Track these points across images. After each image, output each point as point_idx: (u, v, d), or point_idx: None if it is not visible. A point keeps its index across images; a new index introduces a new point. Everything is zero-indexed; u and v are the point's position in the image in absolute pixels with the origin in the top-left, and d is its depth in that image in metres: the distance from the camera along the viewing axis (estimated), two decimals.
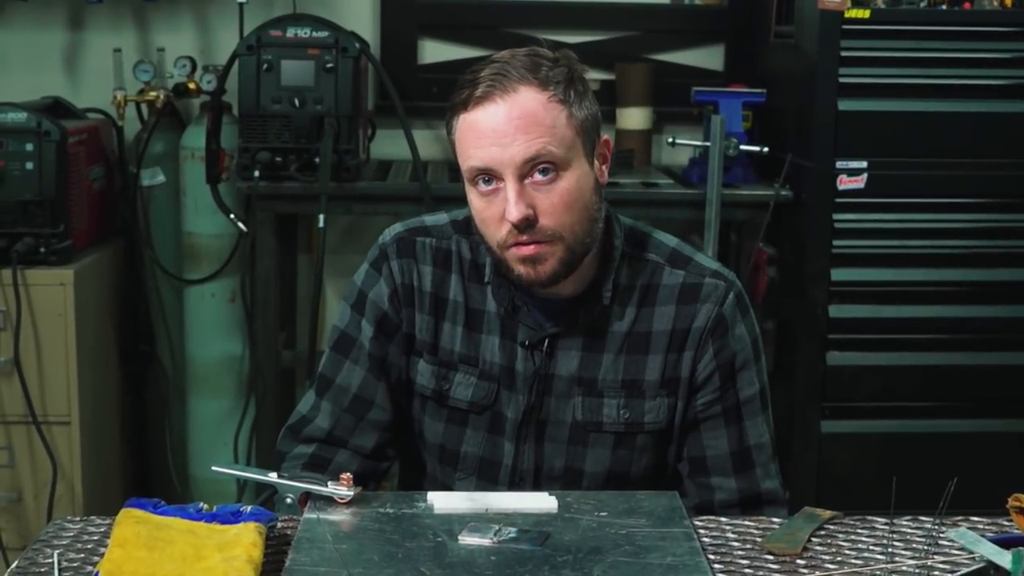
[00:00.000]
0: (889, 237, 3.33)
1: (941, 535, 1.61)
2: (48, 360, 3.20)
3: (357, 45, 3.41)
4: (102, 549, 1.52)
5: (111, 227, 3.70)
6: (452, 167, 3.82)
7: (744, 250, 3.60)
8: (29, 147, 3.20)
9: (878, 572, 1.51)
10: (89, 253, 3.43)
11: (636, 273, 1.84)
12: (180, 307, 3.74)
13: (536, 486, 1.86)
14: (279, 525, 1.60)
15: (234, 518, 1.55)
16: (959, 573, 1.48)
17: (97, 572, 1.41)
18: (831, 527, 1.67)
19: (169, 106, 3.73)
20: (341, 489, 1.61)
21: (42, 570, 1.49)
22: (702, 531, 1.63)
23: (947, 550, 1.57)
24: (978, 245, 3.35)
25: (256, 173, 3.33)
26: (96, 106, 3.75)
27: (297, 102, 3.33)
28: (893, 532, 1.64)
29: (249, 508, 1.57)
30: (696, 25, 4.06)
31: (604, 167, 1.81)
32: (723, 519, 1.69)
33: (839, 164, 3.28)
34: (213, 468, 1.73)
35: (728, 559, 1.55)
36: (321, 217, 3.28)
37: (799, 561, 1.55)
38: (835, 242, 3.31)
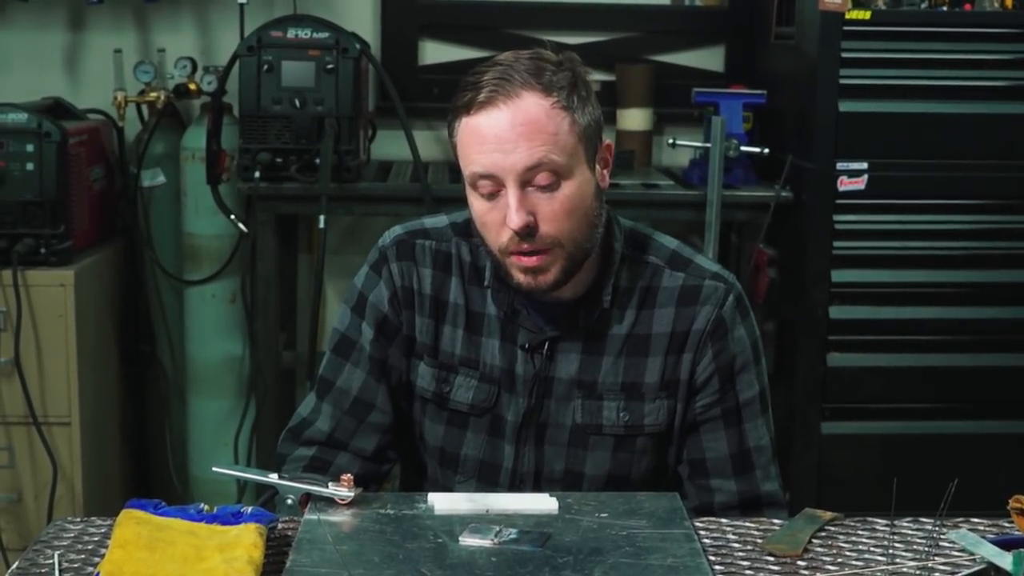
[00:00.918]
0: (889, 238, 3.33)
1: (942, 536, 1.61)
2: (48, 361, 3.20)
3: (358, 46, 3.41)
4: (102, 550, 1.52)
5: (111, 228, 3.71)
6: (453, 168, 3.82)
7: (745, 251, 3.60)
8: (30, 148, 3.20)
9: (879, 573, 1.51)
10: (89, 254, 3.43)
11: (636, 275, 1.84)
12: (180, 308, 3.74)
13: (536, 489, 1.86)
14: (280, 526, 1.60)
15: (235, 519, 1.55)
16: (960, 575, 1.48)
17: (98, 573, 1.41)
18: (832, 528, 1.67)
19: (170, 107, 3.73)
20: (342, 490, 1.61)
21: (43, 571, 1.49)
22: (703, 532, 1.63)
23: (948, 551, 1.57)
24: (979, 246, 3.35)
25: (256, 174, 3.33)
26: (97, 107, 3.75)
27: (298, 103, 3.33)
28: (894, 533, 1.64)
29: (250, 509, 1.57)
30: (697, 26, 4.06)
31: (605, 172, 1.80)
32: (724, 520, 1.69)
33: (839, 165, 3.28)
34: (213, 469, 1.73)
35: (729, 560, 1.55)
36: (322, 218, 3.28)
37: (800, 562, 1.55)
38: (835, 243, 3.31)
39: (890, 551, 1.58)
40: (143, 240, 3.74)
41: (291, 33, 3.37)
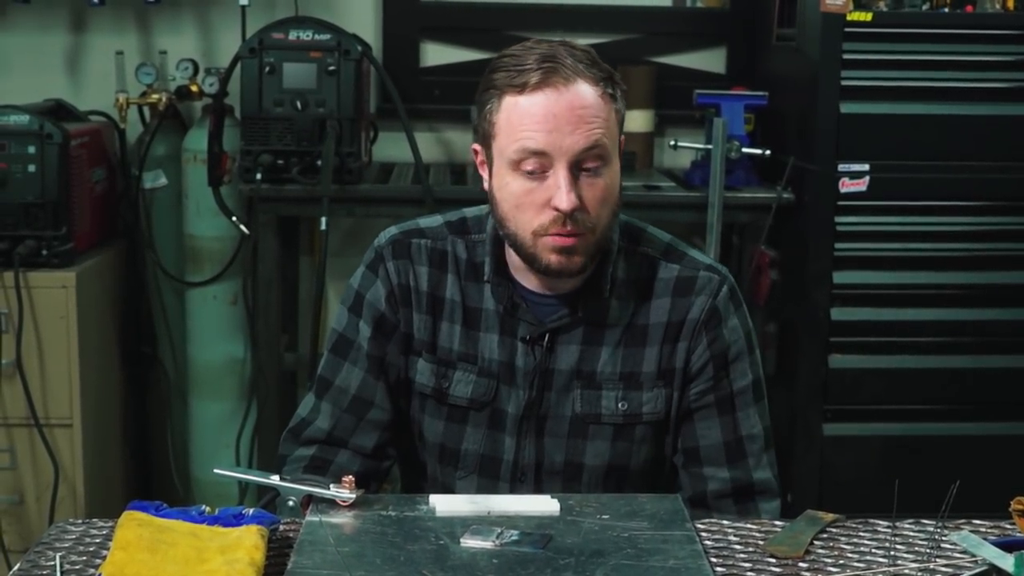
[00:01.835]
0: (891, 240, 3.33)
1: (943, 538, 1.61)
2: (50, 362, 3.20)
3: (359, 48, 3.41)
4: (104, 552, 1.52)
5: (113, 229, 3.71)
6: (454, 170, 3.83)
7: (746, 253, 3.60)
8: (31, 149, 3.21)
9: (880, 575, 1.51)
10: (91, 255, 3.43)
11: (632, 267, 1.86)
12: (182, 309, 3.74)
13: (537, 481, 1.87)
14: (281, 528, 1.60)
15: (236, 521, 1.55)
16: None
17: (99, 575, 1.41)
18: (833, 530, 1.67)
19: (171, 108, 3.74)
20: (343, 492, 1.61)
21: (44, 572, 1.49)
22: (704, 534, 1.63)
23: (949, 553, 1.57)
24: (980, 248, 3.35)
25: (258, 175, 3.33)
26: (98, 108, 3.75)
27: (299, 104, 3.33)
28: (895, 535, 1.64)
29: (251, 511, 1.57)
30: (698, 28, 4.06)
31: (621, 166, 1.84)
32: (725, 522, 1.69)
33: (841, 167, 3.28)
34: (215, 471, 1.73)
35: (730, 562, 1.55)
36: (323, 219, 3.28)
37: (801, 564, 1.55)
38: (837, 245, 3.31)
39: (892, 553, 1.58)
40: (144, 242, 3.74)
41: (292, 35, 3.37)
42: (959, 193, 3.33)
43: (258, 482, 1.69)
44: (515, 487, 1.87)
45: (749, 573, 1.52)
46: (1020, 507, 1.60)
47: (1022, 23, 3.32)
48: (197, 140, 3.59)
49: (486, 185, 1.82)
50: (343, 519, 1.58)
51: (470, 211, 1.93)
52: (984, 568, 1.48)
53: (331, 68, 3.35)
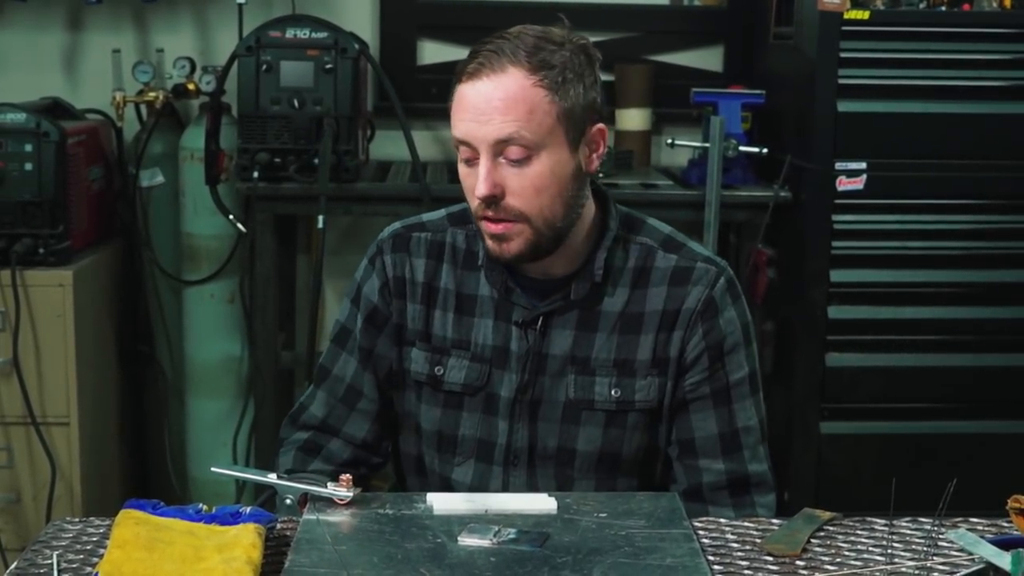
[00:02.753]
0: (888, 238, 3.33)
1: (940, 536, 1.61)
2: (47, 361, 3.20)
3: (356, 46, 3.41)
4: (101, 550, 1.52)
5: (110, 228, 3.70)
6: (451, 168, 3.83)
7: (743, 251, 3.60)
8: (28, 148, 3.20)
9: (877, 573, 1.51)
10: (88, 254, 3.43)
11: (630, 255, 1.87)
12: (179, 308, 3.74)
13: (530, 466, 1.88)
14: (278, 526, 1.60)
15: (233, 519, 1.55)
16: (959, 574, 1.48)
17: (96, 573, 1.41)
18: (830, 528, 1.67)
19: (168, 107, 3.73)
20: (340, 490, 1.61)
21: (41, 571, 1.49)
22: (701, 532, 1.63)
23: (946, 551, 1.57)
24: (977, 247, 3.35)
25: (255, 174, 3.33)
26: (95, 107, 3.75)
27: (296, 103, 3.33)
28: (892, 533, 1.64)
29: (248, 509, 1.57)
30: (695, 26, 4.06)
31: (594, 155, 1.82)
32: (723, 520, 1.69)
33: (838, 165, 3.28)
34: (212, 469, 1.73)
35: (727, 560, 1.55)
36: (320, 218, 3.28)
37: (798, 562, 1.55)
38: (834, 243, 3.31)
39: (889, 551, 1.58)
40: (142, 240, 3.74)
41: (290, 33, 3.37)
42: (956, 191, 3.33)
43: (255, 480, 1.69)
44: (508, 471, 1.88)
45: (746, 571, 1.52)
46: (1017, 505, 1.60)
47: (1019, 21, 3.32)
48: (194, 138, 3.58)
49: None
50: (340, 517, 1.58)
51: None
52: (981, 566, 1.48)
53: (328, 66, 3.34)
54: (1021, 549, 1.46)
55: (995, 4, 3.33)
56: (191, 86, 3.71)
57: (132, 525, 1.50)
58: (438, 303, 1.90)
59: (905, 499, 1.64)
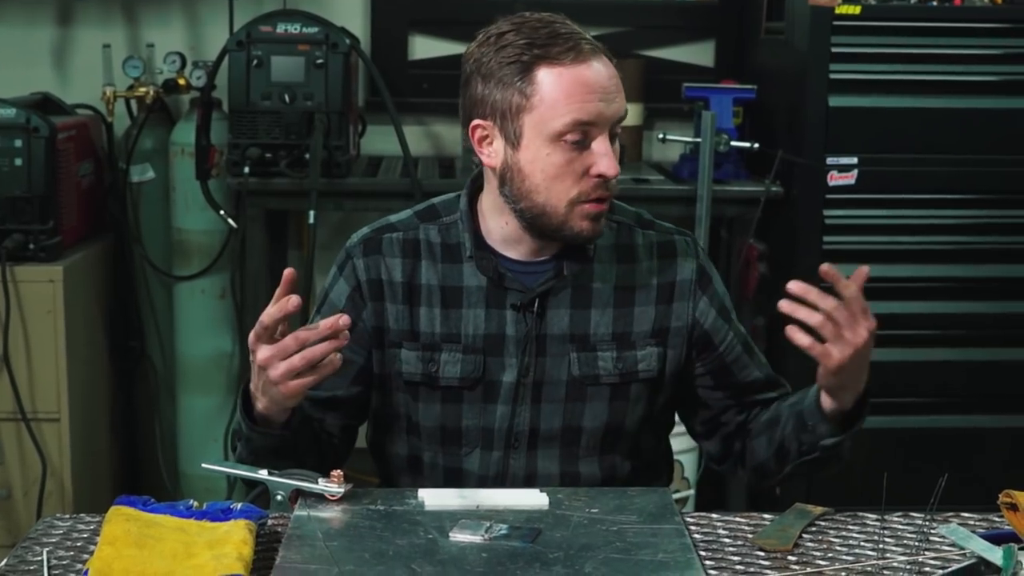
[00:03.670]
0: (879, 233, 3.33)
1: (932, 531, 1.62)
2: (37, 357, 3.19)
3: (347, 41, 3.40)
4: (91, 546, 1.52)
5: (101, 223, 3.69)
6: (442, 163, 3.83)
7: (735, 246, 3.60)
8: (18, 143, 3.19)
9: (869, 568, 1.51)
10: (78, 250, 3.42)
11: (610, 233, 1.91)
12: (170, 303, 3.74)
13: (531, 448, 1.88)
14: (269, 522, 1.60)
15: (224, 515, 1.55)
16: (950, 569, 1.49)
17: (87, 570, 1.40)
18: (822, 523, 1.67)
19: (159, 102, 3.72)
20: (331, 486, 1.61)
21: (31, 567, 1.48)
22: (693, 527, 1.63)
23: (938, 546, 1.58)
24: (968, 241, 3.35)
25: (246, 169, 3.32)
26: (85, 102, 3.74)
27: (287, 98, 3.32)
28: (884, 528, 1.64)
29: (239, 505, 1.57)
30: (687, 21, 4.06)
31: None
32: (714, 515, 1.69)
33: (829, 160, 3.28)
34: (203, 465, 1.73)
35: (719, 555, 1.55)
36: (311, 213, 3.27)
37: (790, 557, 1.55)
38: (825, 238, 3.32)
39: (880, 546, 1.58)
40: (132, 236, 3.73)
41: (280, 28, 3.36)
42: (947, 186, 3.34)
43: (246, 476, 1.69)
44: (508, 455, 1.88)
45: (738, 566, 1.52)
46: (1008, 500, 1.61)
47: (1010, 16, 3.32)
48: (185, 133, 3.57)
49: (490, 161, 1.82)
50: (331, 513, 1.58)
51: (437, 199, 1.96)
52: (972, 561, 1.48)
53: (319, 61, 3.34)
54: (1012, 544, 1.46)
55: None
56: (181, 81, 3.70)
57: (122, 522, 1.49)
58: (422, 300, 1.89)
59: (896, 494, 1.64)
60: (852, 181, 3.30)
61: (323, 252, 3.69)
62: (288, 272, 1.67)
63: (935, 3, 3.33)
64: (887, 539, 1.61)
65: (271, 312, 1.65)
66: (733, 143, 3.43)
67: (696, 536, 1.60)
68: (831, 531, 1.64)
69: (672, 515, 1.60)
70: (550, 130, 1.75)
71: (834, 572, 1.51)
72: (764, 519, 1.68)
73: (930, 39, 3.30)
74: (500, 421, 1.87)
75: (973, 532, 1.52)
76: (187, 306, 3.67)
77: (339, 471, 1.62)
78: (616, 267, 1.89)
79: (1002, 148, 3.33)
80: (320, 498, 1.61)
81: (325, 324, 1.63)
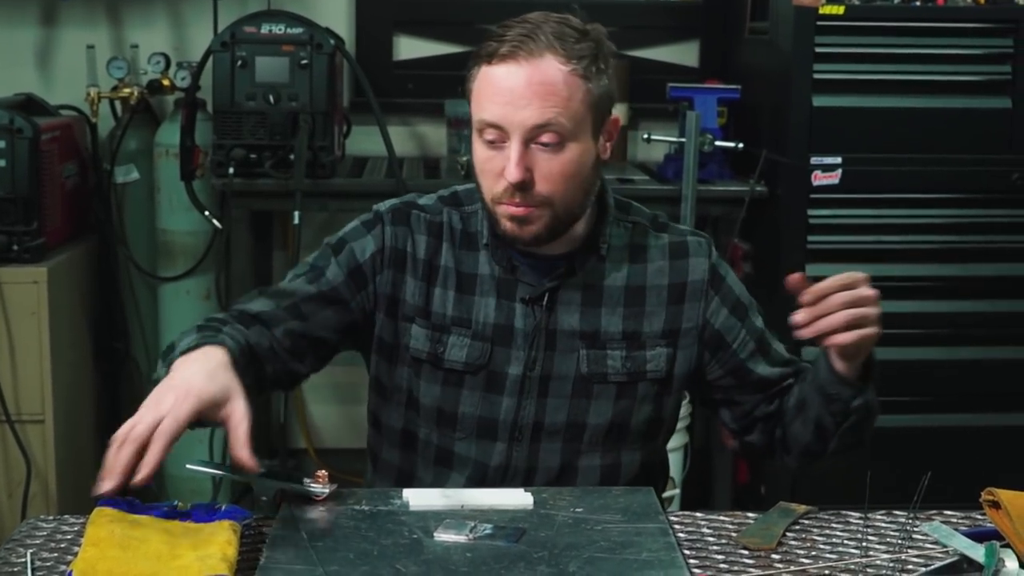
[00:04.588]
0: (864, 233, 3.34)
1: (915, 529, 1.62)
2: (21, 358, 3.18)
3: (332, 41, 3.40)
4: (76, 548, 1.52)
5: (85, 225, 3.69)
6: (427, 163, 3.83)
7: (719, 246, 3.59)
8: (2, 144, 3.19)
9: (852, 566, 1.52)
10: (63, 251, 3.41)
11: (624, 233, 1.91)
12: (155, 305, 3.73)
13: (534, 441, 1.88)
14: (254, 523, 1.60)
15: (208, 516, 1.54)
16: (933, 567, 1.49)
17: (70, 572, 1.40)
18: (806, 522, 1.67)
19: (143, 103, 3.72)
20: (316, 487, 1.61)
21: (15, 570, 1.48)
22: (677, 526, 1.64)
23: (921, 544, 1.58)
24: (953, 241, 3.36)
25: (231, 170, 3.32)
26: (69, 103, 3.73)
27: (272, 99, 3.32)
28: (867, 526, 1.65)
29: (224, 506, 1.57)
30: (671, 21, 4.07)
31: (608, 144, 1.86)
32: (698, 514, 1.70)
33: (814, 160, 3.29)
34: (187, 466, 1.72)
35: (703, 554, 1.56)
36: (296, 214, 3.27)
37: (774, 556, 1.56)
38: (810, 238, 3.32)
39: (863, 544, 1.59)
40: (117, 237, 3.73)
41: (265, 28, 3.36)
42: (931, 186, 3.34)
43: (231, 477, 1.68)
44: (512, 446, 1.88)
45: (722, 565, 1.53)
46: (990, 498, 1.61)
47: (993, 16, 3.34)
48: (169, 134, 3.57)
49: None
50: (316, 514, 1.58)
51: (460, 187, 1.97)
52: (955, 558, 1.49)
53: (304, 62, 3.33)
54: (994, 541, 1.47)
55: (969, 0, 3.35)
56: (166, 82, 3.69)
57: (106, 523, 1.49)
58: (438, 281, 1.89)
59: (880, 492, 1.65)
60: (836, 181, 3.30)
61: (308, 252, 3.67)
62: None
63: (918, 3, 3.34)
64: (870, 537, 1.61)
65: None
66: (717, 143, 3.44)
67: (680, 535, 1.61)
68: (815, 529, 1.65)
69: (656, 514, 1.60)
70: (475, 125, 1.78)
71: (817, 571, 1.51)
72: (748, 518, 1.68)
73: (913, 39, 3.31)
74: (505, 413, 1.88)
75: (956, 530, 1.53)
76: (172, 307, 3.66)
77: (324, 472, 1.62)
78: (628, 267, 1.90)
79: (985, 147, 3.34)
80: (305, 499, 1.61)
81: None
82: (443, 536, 1.51)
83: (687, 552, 1.54)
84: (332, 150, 3.41)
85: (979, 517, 1.66)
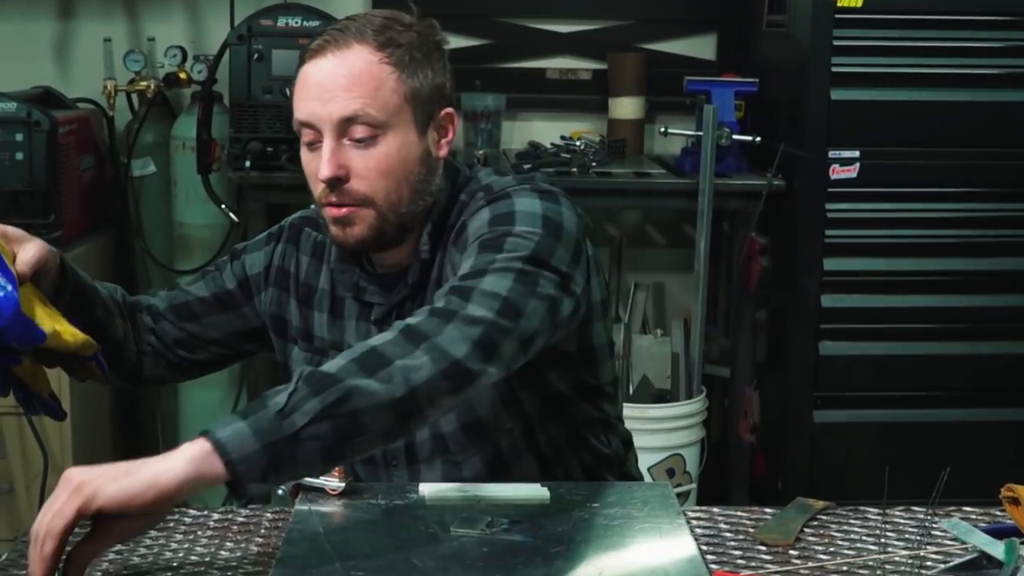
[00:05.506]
0: (881, 227, 3.32)
1: (934, 525, 1.61)
2: None
3: None
4: None
5: (102, 218, 3.69)
6: None
7: (736, 239, 3.59)
8: (19, 137, 3.19)
9: (871, 563, 1.51)
10: (80, 244, 3.42)
11: (455, 217, 1.77)
12: None
13: (412, 463, 1.79)
14: (271, 516, 1.59)
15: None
16: (952, 563, 1.48)
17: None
18: (824, 517, 1.67)
19: (160, 96, 3.72)
20: (332, 481, 1.60)
21: None
22: (694, 522, 1.63)
23: (940, 540, 1.57)
24: (970, 234, 3.35)
25: (247, 163, 3.32)
26: (86, 96, 3.74)
27: (288, 92, 3.31)
28: (886, 522, 1.64)
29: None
30: (688, 14, 4.05)
31: (443, 140, 1.76)
32: (715, 510, 1.69)
33: (831, 153, 3.28)
34: None
35: (721, 550, 1.55)
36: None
37: (792, 552, 1.55)
38: (827, 232, 3.31)
39: (882, 540, 1.58)
40: (133, 230, 3.73)
41: (281, 21, 3.36)
42: (949, 180, 3.33)
43: None
44: (391, 473, 1.81)
45: (740, 561, 1.52)
46: (1010, 494, 1.60)
47: (1012, 9, 3.31)
48: (186, 127, 3.57)
49: None
50: (332, 508, 1.58)
51: None
52: (974, 555, 1.48)
53: None
54: (1014, 538, 1.46)
55: None
56: (182, 75, 3.70)
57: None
58: (315, 303, 1.84)
59: (898, 488, 1.64)
60: (854, 174, 3.29)
61: None
62: None
63: None
64: (889, 533, 1.61)
65: None
66: (735, 136, 3.43)
67: (697, 530, 1.60)
68: (833, 525, 1.64)
69: (673, 509, 1.60)
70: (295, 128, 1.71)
71: (835, 566, 1.51)
72: (765, 513, 1.67)
73: (932, 32, 3.29)
74: None
75: (975, 526, 1.52)
76: None
77: (339, 466, 1.62)
78: (442, 253, 1.75)
79: (1005, 141, 3.32)
80: (321, 492, 1.61)
81: None
82: (459, 530, 1.51)
83: (704, 547, 1.54)
84: None
85: (999, 513, 1.65)
